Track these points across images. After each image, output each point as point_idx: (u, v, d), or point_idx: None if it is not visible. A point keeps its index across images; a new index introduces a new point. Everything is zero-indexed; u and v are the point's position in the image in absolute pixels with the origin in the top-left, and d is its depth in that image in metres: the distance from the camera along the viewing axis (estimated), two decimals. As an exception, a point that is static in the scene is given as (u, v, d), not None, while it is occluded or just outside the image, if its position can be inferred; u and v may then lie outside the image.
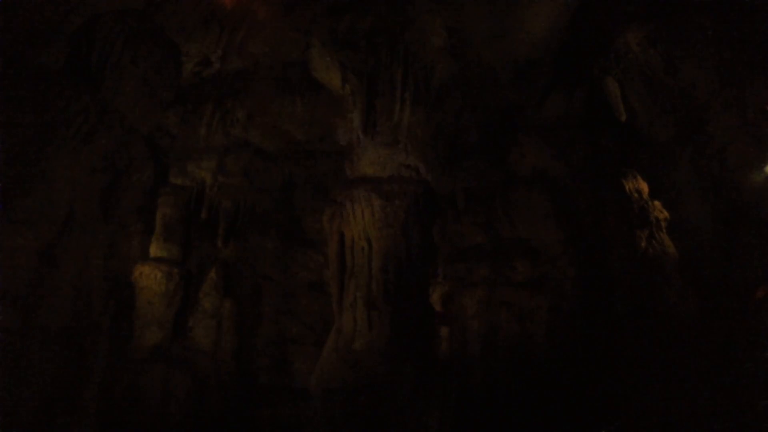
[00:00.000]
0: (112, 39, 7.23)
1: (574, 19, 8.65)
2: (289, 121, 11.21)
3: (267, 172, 12.03)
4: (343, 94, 8.66)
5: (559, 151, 9.70)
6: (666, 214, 8.55)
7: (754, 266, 6.29)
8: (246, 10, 9.13)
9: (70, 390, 6.42)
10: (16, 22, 6.43)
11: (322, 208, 8.66)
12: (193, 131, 11.12)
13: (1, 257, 5.78)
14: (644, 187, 8.84)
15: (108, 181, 7.07)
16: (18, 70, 6.28)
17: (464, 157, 10.59)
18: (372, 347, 7.24)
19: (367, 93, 8.24)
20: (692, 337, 7.26)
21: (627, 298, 8.35)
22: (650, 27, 7.45)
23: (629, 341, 7.98)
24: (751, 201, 6.36)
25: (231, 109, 10.98)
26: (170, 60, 8.01)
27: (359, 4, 8.49)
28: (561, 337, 8.84)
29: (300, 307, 11.88)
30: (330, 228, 8.05)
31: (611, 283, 8.68)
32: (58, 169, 6.35)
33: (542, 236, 9.80)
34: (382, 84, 8.25)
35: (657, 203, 8.67)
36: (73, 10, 7.03)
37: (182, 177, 11.55)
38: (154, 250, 10.94)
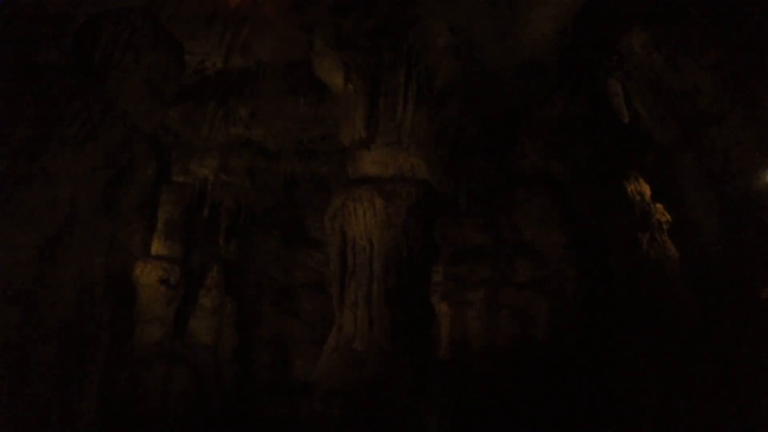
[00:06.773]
0: (115, 36, 7.23)
1: (577, 20, 8.64)
2: (291, 120, 11.21)
3: (269, 171, 12.04)
4: (346, 94, 8.65)
5: (561, 152, 9.71)
6: (668, 216, 8.54)
7: (758, 269, 6.28)
8: (250, 9, 9.15)
9: (70, 387, 6.41)
10: (20, 19, 6.44)
11: (323, 207, 8.64)
12: (195, 129, 11.14)
13: (2, 253, 5.78)
14: (646, 189, 8.83)
15: (110, 179, 7.05)
16: (21, 67, 6.29)
17: (466, 157, 10.60)
18: (372, 347, 7.23)
19: (370, 93, 8.23)
20: (694, 339, 7.25)
21: (627, 300, 8.34)
22: (654, 29, 7.43)
23: (630, 343, 7.98)
24: (755, 203, 6.35)
25: (233, 107, 11.00)
26: (173, 58, 8.00)
27: (363, 4, 8.49)
28: (561, 338, 8.86)
29: (301, 307, 11.89)
30: (331, 227, 8.04)
31: (612, 285, 8.68)
32: (60, 165, 6.34)
33: (544, 238, 9.82)
34: (385, 84, 8.24)
35: (659, 206, 8.66)
36: (76, 7, 7.05)
37: (184, 175, 11.57)
38: (156, 248, 10.96)
